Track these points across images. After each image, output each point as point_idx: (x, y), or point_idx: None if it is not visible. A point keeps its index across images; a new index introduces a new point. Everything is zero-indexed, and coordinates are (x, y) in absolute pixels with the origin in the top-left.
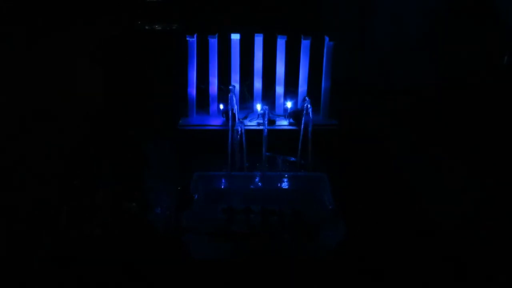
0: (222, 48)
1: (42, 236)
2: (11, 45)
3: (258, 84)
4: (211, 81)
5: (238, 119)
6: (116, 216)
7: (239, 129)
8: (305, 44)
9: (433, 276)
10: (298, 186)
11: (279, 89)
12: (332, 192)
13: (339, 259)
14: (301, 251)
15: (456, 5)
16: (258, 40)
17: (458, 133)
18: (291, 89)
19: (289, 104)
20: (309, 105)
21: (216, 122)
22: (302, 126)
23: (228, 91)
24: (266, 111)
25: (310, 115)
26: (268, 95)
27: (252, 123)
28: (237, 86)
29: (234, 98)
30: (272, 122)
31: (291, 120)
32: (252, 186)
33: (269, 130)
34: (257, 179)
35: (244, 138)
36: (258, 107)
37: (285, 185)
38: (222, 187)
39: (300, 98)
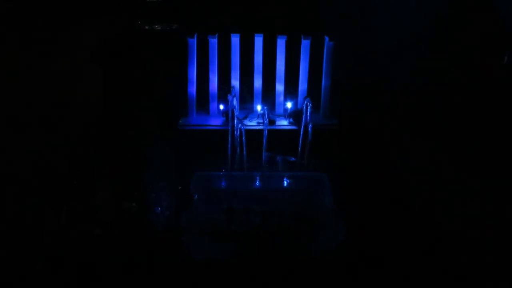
0: (222, 48)
1: (42, 236)
2: (11, 45)
3: (258, 84)
4: (211, 81)
5: (238, 119)
6: (116, 216)
7: (239, 129)
8: (305, 44)
9: (433, 276)
10: (298, 186)
11: (279, 89)
12: (332, 192)
13: (339, 259)
14: (301, 251)
15: (456, 5)
16: (258, 40)
17: (458, 133)
18: (291, 89)
19: (289, 104)
20: (309, 106)
21: (216, 122)
22: (302, 126)
23: (230, 90)
24: (266, 111)
25: (309, 115)
26: (268, 95)
27: (252, 123)
28: (237, 86)
29: (234, 98)
30: (272, 122)
31: (291, 120)
32: (252, 186)
33: (269, 130)
34: (257, 179)
35: (244, 138)
36: (258, 107)
37: (285, 185)
38: (222, 187)
39: (300, 98)
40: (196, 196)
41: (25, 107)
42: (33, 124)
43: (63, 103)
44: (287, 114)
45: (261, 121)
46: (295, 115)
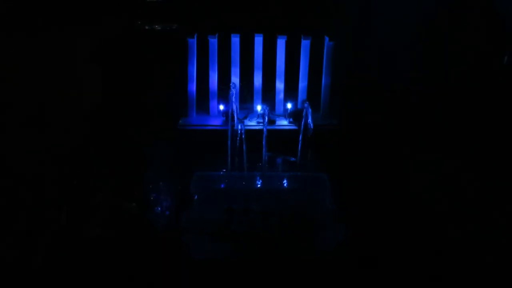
0: (222, 48)
1: (42, 236)
2: (11, 45)
3: (258, 84)
4: (211, 81)
5: (238, 119)
6: (116, 216)
7: (239, 129)
8: (305, 44)
9: (433, 276)
10: (298, 186)
11: (279, 89)
12: (332, 192)
13: (339, 259)
14: (301, 251)
15: (456, 5)
16: (258, 40)
17: (458, 133)
18: (291, 89)
19: (289, 105)
20: (308, 108)
21: (216, 122)
22: (302, 126)
23: (229, 90)
24: (266, 111)
25: (310, 118)
26: (268, 95)
27: (252, 123)
28: (237, 86)
29: (234, 98)
30: (272, 122)
31: (291, 120)
32: (252, 186)
33: (269, 130)
34: (257, 179)
35: (244, 138)
36: (259, 107)
37: (285, 185)
38: (222, 187)
39: (300, 98)
40: (196, 196)
41: (25, 107)
42: (33, 124)
43: (63, 103)
44: (287, 114)
45: (261, 121)
46: (295, 115)
